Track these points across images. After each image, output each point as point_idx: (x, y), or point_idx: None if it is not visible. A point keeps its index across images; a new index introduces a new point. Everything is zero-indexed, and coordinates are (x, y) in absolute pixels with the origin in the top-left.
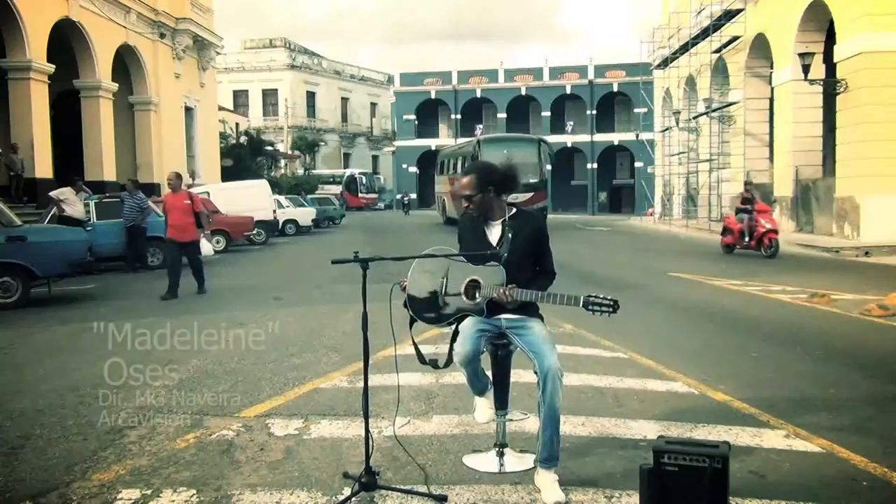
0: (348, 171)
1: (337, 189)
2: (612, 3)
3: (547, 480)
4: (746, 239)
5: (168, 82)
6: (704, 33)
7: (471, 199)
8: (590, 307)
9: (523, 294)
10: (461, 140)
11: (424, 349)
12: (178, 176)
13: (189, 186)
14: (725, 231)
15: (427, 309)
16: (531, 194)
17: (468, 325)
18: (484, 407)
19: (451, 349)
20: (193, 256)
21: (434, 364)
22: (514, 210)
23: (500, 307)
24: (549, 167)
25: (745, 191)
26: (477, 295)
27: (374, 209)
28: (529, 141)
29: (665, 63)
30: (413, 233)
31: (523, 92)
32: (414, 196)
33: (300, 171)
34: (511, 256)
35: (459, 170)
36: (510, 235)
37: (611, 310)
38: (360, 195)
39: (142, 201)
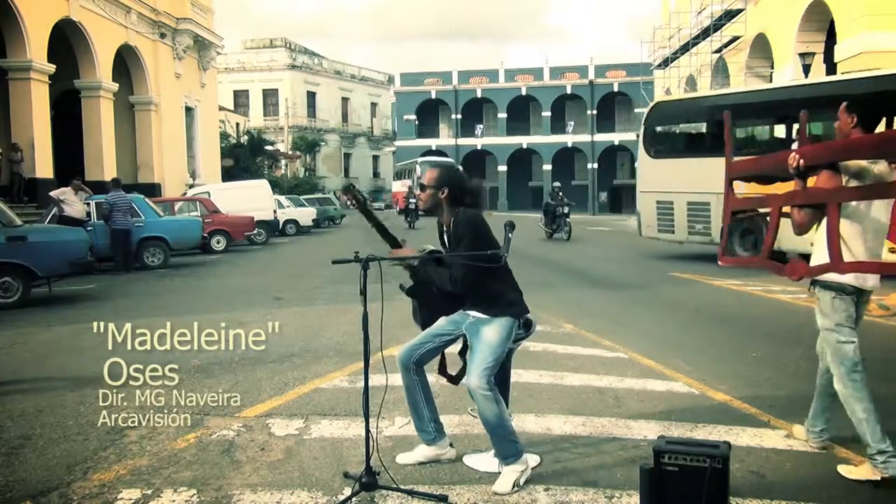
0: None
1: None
2: (613, 3)
3: (504, 470)
4: None
5: (168, 82)
6: (705, 33)
7: (423, 188)
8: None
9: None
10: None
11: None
12: None
13: (190, 186)
14: None
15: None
16: None
17: (434, 326)
18: (421, 452)
19: (463, 360)
20: None
21: (452, 380)
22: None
23: (462, 300)
24: None
25: None
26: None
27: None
28: None
29: (666, 63)
30: (418, 233)
31: (524, 92)
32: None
33: (301, 172)
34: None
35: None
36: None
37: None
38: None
39: (114, 203)
